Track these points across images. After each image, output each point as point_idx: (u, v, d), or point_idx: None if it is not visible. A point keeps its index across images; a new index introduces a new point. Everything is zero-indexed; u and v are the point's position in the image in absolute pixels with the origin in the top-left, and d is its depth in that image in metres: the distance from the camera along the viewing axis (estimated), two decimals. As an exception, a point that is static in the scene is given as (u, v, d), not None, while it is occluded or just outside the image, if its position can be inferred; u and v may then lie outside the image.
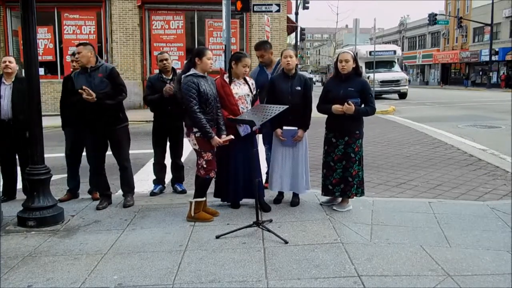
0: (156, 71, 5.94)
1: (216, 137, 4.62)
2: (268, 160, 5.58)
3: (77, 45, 5.14)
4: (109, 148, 5.33)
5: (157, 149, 5.88)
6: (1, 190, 5.60)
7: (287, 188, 5.20)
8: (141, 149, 8.26)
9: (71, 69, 5.58)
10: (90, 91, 4.86)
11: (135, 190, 5.58)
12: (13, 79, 5.45)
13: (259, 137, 5.90)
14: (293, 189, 5.19)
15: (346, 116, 4.83)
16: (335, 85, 5.01)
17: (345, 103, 4.75)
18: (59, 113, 5.70)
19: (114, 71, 5.19)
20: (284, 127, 5.02)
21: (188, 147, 5.42)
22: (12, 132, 5.41)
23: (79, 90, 4.88)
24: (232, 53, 5.85)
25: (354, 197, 5.04)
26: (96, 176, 5.35)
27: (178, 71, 5.91)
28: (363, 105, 4.90)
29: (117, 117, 5.24)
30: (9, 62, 5.43)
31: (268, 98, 5.13)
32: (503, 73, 40.60)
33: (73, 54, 5.42)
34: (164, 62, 5.71)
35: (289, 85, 5.04)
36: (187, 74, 4.65)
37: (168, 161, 6.00)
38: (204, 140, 4.63)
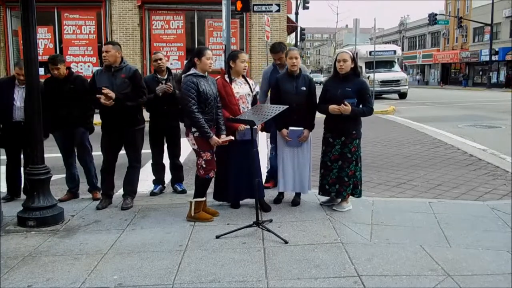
0: (156, 71, 5.97)
1: (214, 136, 4.62)
2: (271, 159, 5.58)
3: (106, 44, 5.16)
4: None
5: (154, 149, 5.89)
6: (5, 189, 5.67)
7: (291, 189, 5.19)
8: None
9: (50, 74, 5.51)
10: (110, 92, 4.91)
11: (135, 190, 5.59)
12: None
13: (261, 137, 5.90)
14: (298, 189, 5.18)
15: (343, 116, 4.83)
16: (333, 85, 5.01)
17: (341, 104, 4.75)
18: None
19: (137, 73, 5.23)
20: (290, 128, 5.02)
21: (188, 147, 5.42)
22: (23, 134, 5.42)
23: (97, 96, 4.91)
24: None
25: (350, 197, 5.04)
26: (105, 174, 5.36)
27: (175, 71, 5.93)
28: (360, 105, 4.90)
29: (136, 118, 5.27)
30: (23, 75, 5.35)
31: (272, 98, 5.12)
32: (509, 73, 40.46)
33: (53, 61, 5.34)
34: (159, 62, 5.72)
35: (294, 86, 5.04)
36: (187, 74, 4.65)
37: (167, 161, 6.00)
38: (203, 140, 4.63)
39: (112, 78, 5.08)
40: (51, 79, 5.50)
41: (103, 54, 5.08)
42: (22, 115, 5.46)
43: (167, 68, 5.84)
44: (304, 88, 5.05)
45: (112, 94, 4.93)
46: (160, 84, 5.59)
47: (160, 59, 5.74)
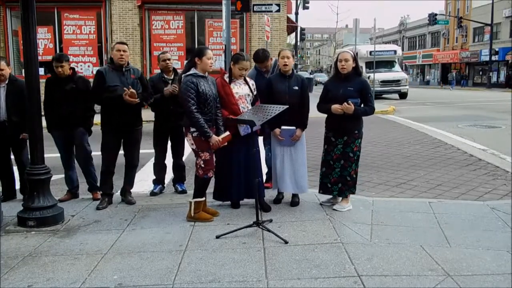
0: (156, 71, 5.98)
1: (214, 136, 4.62)
2: (268, 161, 5.58)
3: (121, 43, 5.29)
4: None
5: (157, 148, 5.88)
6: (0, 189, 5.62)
7: (287, 189, 5.19)
8: (141, 149, 8.24)
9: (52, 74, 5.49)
10: (135, 94, 5.07)
11: (135, 190, 5.61)
12: (6, 81, 5.44)
13: (261, 137, 5.90)
14: (294, 189, 5.17)
15: (345, 116, 4.83)
16: (335, 84, 5.02)
17: (345, 103, 4.75)
18: None
19: (143, 75, 5.46)
20: (282, 127, 5.02)
21: (188, 147, 5.41)
22: (7, 133, 5.42)
23: (126, 93, 5.00)
24: (232, 53, 5.84)
25: (350, 196, 5.04)
26: (107, 174, 5.37)
27: (179, 71, 5.92)
28: (362, 105, 4.90)
29: (140, 118, 5.43)
30: (1, 70, 5.35)
31: (265, 99, 5.12)
32: (509, 73, 40.38)
33: (58, 58, 5.32)
34: (167, 62, 5.74)
35: (286, 85, 5.04)
36: (187, 74, 4.65)
37: (169, 161, 5.99)
38: (201, 139, 4.63)
39: (123, 77, 5.18)
40: (53, 78, 5.47)
41: (120, 53, 5.13)
42: (4, 116, 5.38)
43: (173, 68, 5.86)
44: (297, 88, 5.05)
45: (135, 95, 5.06)
46: (167, 84, 5.60)
47: (169, 59, 5.78)
